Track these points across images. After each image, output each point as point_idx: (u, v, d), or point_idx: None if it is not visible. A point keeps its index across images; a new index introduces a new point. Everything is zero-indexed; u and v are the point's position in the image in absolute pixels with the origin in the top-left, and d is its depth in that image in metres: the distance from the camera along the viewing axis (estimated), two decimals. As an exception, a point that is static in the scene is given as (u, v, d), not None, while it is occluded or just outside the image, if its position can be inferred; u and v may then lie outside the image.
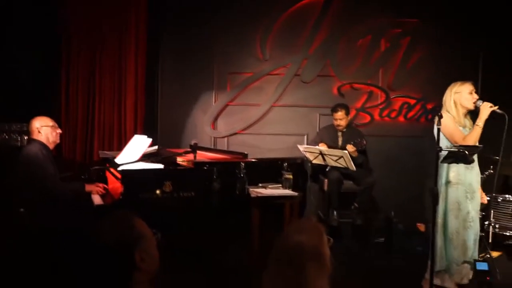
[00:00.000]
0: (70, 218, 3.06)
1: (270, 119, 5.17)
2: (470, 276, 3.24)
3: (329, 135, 4.65)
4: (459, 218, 3.15)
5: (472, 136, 3.03)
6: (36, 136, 3.39)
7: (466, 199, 3.14)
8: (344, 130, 4.62)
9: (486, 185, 4.15)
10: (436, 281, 3.16)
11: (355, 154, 4.16)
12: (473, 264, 3.17)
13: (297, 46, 5.09)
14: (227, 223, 4.01)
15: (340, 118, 4.55)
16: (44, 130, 3.39)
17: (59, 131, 3.51)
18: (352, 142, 4.29)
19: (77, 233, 2.77)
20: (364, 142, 4.25)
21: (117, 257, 1.45)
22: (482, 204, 3.28)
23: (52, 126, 3.44)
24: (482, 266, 3.10)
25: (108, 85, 4.91)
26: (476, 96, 3.12)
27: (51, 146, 3.45)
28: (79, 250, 2.57)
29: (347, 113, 4.60)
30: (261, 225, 3.52)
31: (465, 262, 3.21)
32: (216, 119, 5.17)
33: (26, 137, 4.07)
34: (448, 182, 3.11)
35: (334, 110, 4.60)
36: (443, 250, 3.18)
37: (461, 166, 3.09)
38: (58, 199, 3.18)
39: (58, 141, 3.52)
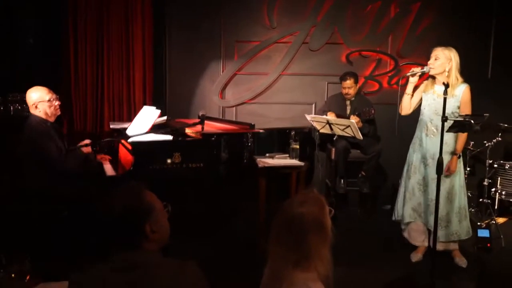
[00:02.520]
0: (79, 191, 3.14)
1: (278, 88, 5.19)
2: (423, 240, 3.44)
3: (337, 104, 4.66)
4: (414, 180, 3.37)
5: None
6: (33, 111, 3.26)
7: (421, 164, 3.33)
8: (353, 99, 4.62)
9: (494, 153, 4.20)
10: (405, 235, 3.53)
11: (359, 125, 4.18)
12: (422, 226, 3.42)
13: (304, 13, 5.04)
14: (235, 192, 4.13)
15: (349, 87, 4.55)
16: (41, 105, 3.25)
17: (57, 103, 3.33)
18: (360, 112, 4.31)
19: (88, 204, 2.90)
20: (373, 111, 4.26)
21: (127, 227, 1.53)
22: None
23: (49, 100, 3.26)
24: (484, 233, 3.19)
25: (116, 56, 4.94)
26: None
27: (51, 119, 3.32)
28: (90, 220, 2.71)
29: (356, 82, 4.59)
30: (268, 194, 3.62)
31: (416, 222, 3.44)
32: (224, 88, 5.21)
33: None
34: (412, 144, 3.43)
35: (343, 78, 4.59)
36: (400, 204, 3.48)
37: (423, 133, 3.33)
38: (66, 173, 3.19)
39: (58, 113, 3.37)
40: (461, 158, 3.33)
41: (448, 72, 3.21)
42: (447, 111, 2.88)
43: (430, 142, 3.29)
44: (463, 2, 4.87)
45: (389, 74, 5.08)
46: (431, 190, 3.26)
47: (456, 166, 3.24)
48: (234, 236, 3.79)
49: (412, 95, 3.37)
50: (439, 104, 3.17)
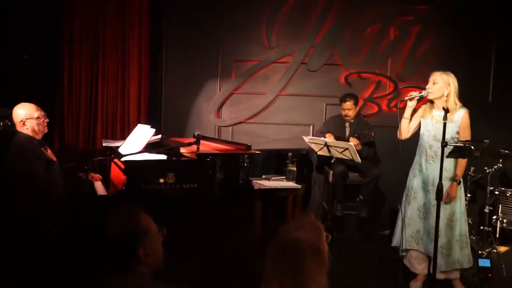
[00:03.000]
0: (69, 210, 3.11)
1: (275, 108, 5.21)
2: (423, 268, 3.42)
3: (336, 126, 4.68)
4: (414, 206, 3.36)
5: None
6: (20, 128, 3.20)
7: (421, 189, 3.33)
8: (352, 121, 4.65)
9: (495, 179, 4.21)
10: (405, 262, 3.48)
11: (359, 147, 4.20)
12: (422, 254, 3.39)
13: (303, 34, 5.11)
14: (230, 214, 4.10)
15: (349, 108, 4.58)
16: (29, 122, 3.19)
17: (45, 120, 3.28)
18: (360, 134, 4.33)
19: (79, 224, 2.87)
20: (372, 133, 4.28)
21: (121, 249, 1.53)
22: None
23: (37, 118, 3.21)
24: (485, 262, 3.16)
25: (111, 72, 4.97)
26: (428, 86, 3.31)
27: (38, 137, 3.26)
28: (80, 241, 2.68)
29: (356, 104, 4.63)
30: (264, 217, 3.60)
31: (412, 250, 3.40)
32: (220, 107, 5.23)
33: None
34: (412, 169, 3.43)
35: (343, 100, 4.62)
36: (399, 230, 3.44)
37: (422, 158, 3.34)
38: (54, 193, 3.15)
39: (46, 130, 3.31)
40: (462, 184, 3.34)
41: (446, 96, 3.23)
42: (446, 136, 2.90)
43: (430, 168, 3.30)
44: (463, 26, 4.95)
45: (388, 97, 5.12)
46: (432, 216, 3.24)
47: (456, 192, 3.24)
48: (228, 259, 3.75)
49: (411, 119, 3.39)
50: (438, 129, 3.19)
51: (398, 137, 3.43)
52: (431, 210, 3.27)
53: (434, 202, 3.20)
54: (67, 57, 4.89)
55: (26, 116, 3.21)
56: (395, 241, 3.52)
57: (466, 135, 3.20)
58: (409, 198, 3.42)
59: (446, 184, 3.15)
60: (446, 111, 2.91)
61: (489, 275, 3.39)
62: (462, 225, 3.31)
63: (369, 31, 5.08)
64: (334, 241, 1.72)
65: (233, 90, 5.20)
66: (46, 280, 2.68)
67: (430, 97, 3.28)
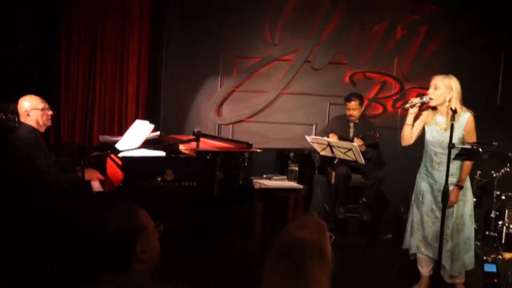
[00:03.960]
0: (66, 206, 3.12)
1: (277, 107, 5.21)
2: (426, 271, 3.44)
3: (340, 126, 4.68)
4: (421, 210, 3.37)
5: None
6: (24, 119, 3.31)
7: (429, 194, 3.33)
8: (357, 121, 4.65)
9: (502, 184, 4.21)
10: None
11: (363, 148, 4.20)
12: (429, 258, 3.40)
13: (308, 31, 5.10)
14: (229, 214, 4.10)
15: (354, 108, 4.57)
16: (33, 113, 3.30)
17: (50, 112, 3.40)
18: (364, 135, 4.32)
19: (75, 221, 2.87)
20: (377, 135, 4.28)
21: (118, 245, 1.53)
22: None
23: (42, 109, 3.33)
24: (491, 268, 3.17)
25: (110, 67, 4.96)
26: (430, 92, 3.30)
27: (41, 129, 3.37)
28: (77, 238, 2.69)
29: (361, 104, 4.62)
30: (264, 217, 3.60)
31: (425, 255, 3.40)
32: (221, 105, 5.23)
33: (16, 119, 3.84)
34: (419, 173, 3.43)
35: (348, 99, 4.62)
36: (409, 234, 3.47)
37: (428, 164, 3.33)
38: (52, 188, 3.19)
39: (49, 123, 3.43)
40: (470, 186, 3.34)
41: (448, 102, 3.20)
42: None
43: (436, 174, 3.30)
44: (472, 26, 4.95)
45: (394, 97, 5.13)
46: (439, 221, 3.24)
47: (457, 197, 3.24)
48: (226, 260, 3.75)
49: (413, 125, 3.37)
50: (443, 136, 3.19)
51: (401, 143, 3.42)
52: (439, 215, 3.25)
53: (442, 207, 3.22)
54: (65, 52, 4.87)
55: (31, 107, 3.31)
56: (405, 244, 3.55)
57: (471, 140, 3.19)
58: (418, 202, 3.41)
59: (451, 188, 3.16)
60: (454, 111, 2.92)
61: (495, 280, 3.39)
62: (469, 228, 3.31)
63: (375, 29, 5.08)
64: (335, 244, 1.72)
65: (234, 87, 5.19)
66: (44, 278, 2.68)
67: (432, 103, 3.25)
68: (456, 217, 3.26)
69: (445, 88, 3.20)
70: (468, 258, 3.31)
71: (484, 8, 4.93)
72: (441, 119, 3.27)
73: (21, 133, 3.27)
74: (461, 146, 3.01)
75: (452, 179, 3.18)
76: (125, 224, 1.55)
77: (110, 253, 1.54)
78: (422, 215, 3.37)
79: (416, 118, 3.39)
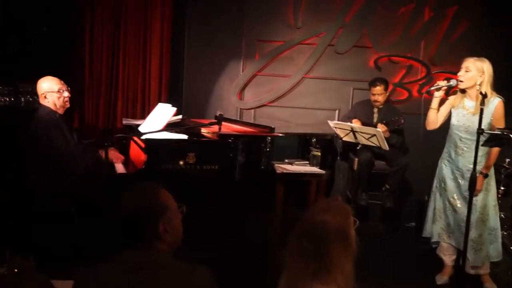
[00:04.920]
0: (88, 187, 3.16)
1: (300, 91, 5.16)
2: (449, 260, 3.38)
3: (364, 111, 4.61)
4: (443, 197, 3.33)
5: None
6: (42, 101, 3.34)
7: (452, 181, 3.28)
8: (381, 107, 4.57)
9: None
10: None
11: (386, 134, 4.13)
12: (452, 247, 3.37)
13: (332, 13, 5.01)
14: (251, 198, 4.11)
15: (378, 93, 4.49)
16: (50, 96, 3.32)
17: (67, 94, 3.40)
18: (389, 120, 4.25)
19: (98, 201, 2.92)
20: (402, 121, 4.20)
21: (141, 224, 1.54)
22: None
23: (58, 91, 3.34)
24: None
25: (133, 50, 4.97)
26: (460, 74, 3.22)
27: (60, 111, 3.38)
28: (99, 217, 2.72)
29: (386, 89, 4.54)
30: (285, 202, 3.60)
31: (448, 243, 3.35)
32: (243, 89, 5.20)
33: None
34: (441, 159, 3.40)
35: (373, 84, 4.53)
36: (430, 220, 3.44)
37: (452, 150, 3.28)
38: (74, 168, 3.22)
39: (67, 105, 3.44)
40: (493, 175, 3.26)
41: (479, 85, 3.11)
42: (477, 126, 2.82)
43: (460, 160, 3.24)
44: (503, 8, 4.78)
45: (420, 82, 5.01)
46: (462, 210, 3.19)
47: (482, 185, 3.16)
48: (246, 245, 3.76)
49: (438, 109, 3.30)
50: (470, 121, 3.12)
51: (426, 127, 3.37)
52: (462, 202, 3.21)
53: (465, 195, 3.16)
54: (89, 35, 4.90)
55: (47, 89, 3.32)
56: (426, 232, 3.49)
57: (500, 126, 3.10)
58: (440, 189, 3.36)
59: (465, 170, 3.10)
60: (484, 96, 2.83)
61: None
62: (494, 218, 3.24)
63: (402, 11, 4.95)
64: (357, 231, 1.70)
65: (257, 71, 5.14)
66: (64, 257, 2.73)
67: (461, 86, 3.18)
68: (480, 206, 3.18)
69: (476, 71, 3.12)
70: (494, 249, 3.24)
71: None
72: (470, 103, 3.18)
73: (40, 115, 3.30)
74: (490, 131, 2.93)
75: (477, 167, 3.10)
76: (148, 203, 1.56)
77: (133, 231, 1.55)
78: (445, 202, 3.31)
79: (443, 102, 3.31)
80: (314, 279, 1.58)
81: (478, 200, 3.17)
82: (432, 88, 3.24)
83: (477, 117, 2.92)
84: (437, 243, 3.41)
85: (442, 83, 3.19)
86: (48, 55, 4.74)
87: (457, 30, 4.92)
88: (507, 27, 4.80)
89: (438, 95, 3.26)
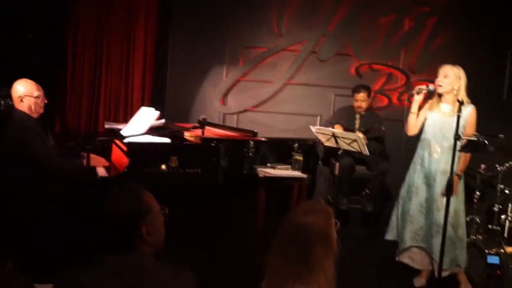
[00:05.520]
0: (70, 190, 3.10)
1: (282, 97, 5.18)
2: (427, 263, 3.36)
3: (346, 117, 4.64)
4: (416, 202, 3.33)
5: None
6: (17, 104, 3.18)
7: (424, 184, 3.31)
8: (363, 113, 4.61)
9: (506, 178, 4.18)
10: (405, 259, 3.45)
11: (365, 141, 4.17)
12: (425, 250, 3.35)
13: (315, 22, 5.06)
14: (233, 202, 4.09)
15: (362, 100, 4.53)
16: (27, 100, 3.17)
17: (44, 101, 3.27)
18: (370, 128, 4.28)
19: (79, 205, 2.86)
20: (383, 128, 4.24)
21: (124, 227, 1.52)
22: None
23: (36, 97, 3.20)
24: (493, 259, 3.15)
25: (116, 55, 4.94)
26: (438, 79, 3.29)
27: (34, 116, 3.23)
28: (81, 220, 2.67)
29: (369, 95, 4.59)
30: (268, 206, 3.59)
31: (415, 247, 3.37)
32: (226, 94, 5.20)
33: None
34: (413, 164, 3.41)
35: (356, 90, 4.57)
36: (400, 226, 3.43)
37: (426, 152, 3.30)
38: (53, 173, 3.12)
39: (42, 111, 3.28)
40: (463, 180, 3.31)
41: (457, 90, 3.22)
42: (453, 130, 2.89)
43: (433, 162, 3.28)
44: (481, 20, 4.90)
45: (400, 90, 5.09)
46: (434, 213, 3.23)
47: (456, 186, 3.20)
48: (229, 248, 3.74)
49: (418, 114, 3.36)
50: (446, 123, 3.19)
51: (406, 132, 3.41)
52: (433, 205, 3.25)
53: (437, 197, 3.23)
54: (72, 39, 4.85)
55: (25, 93, 3.17)
56: (391, 235, 3.53)
57: (471, 132, 3.18)
58: (411, 194, 3.39)
59: (445, 179, 3.11)
60: (461, 103, 2.89)
61: (498, 272, 3.36)
62: (463, 224, 3.30)
63: (383, 21, 5.03)
64: (338, 235, 1.71)
65: (240, 77, 5.16)
66: (45, 263, 2.67)
67: (440, 90, 3.26)
68: (451, 211, 3.20)
69: (454, 77, 3.22)
70: (463, 255, 3.29)
71: (493, 3, 4.87)
72: (446, 107, 3.27)
73: (16, 119, 3.15)
74: (468, 138, 2.98)
75: (448, 168, 3.13)
76: (130, 205, 1.54)
77: (116, 234, 1.52)
78: (416, 207, 3.33)
79: (421, 108, 3.37)
80: (296, 281, 1.58)
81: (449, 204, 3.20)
82: (413, 91, 3.30)
83: (451, 118, 3.02)
84: (408, 248, 3.41)
85: (422, 87, 3.27)
86: (30, 60, 4.65)
87: (437, 40, 5.01)
88: (484, 38, 4.91)
89: (418, 98, 3.33)
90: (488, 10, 4.88)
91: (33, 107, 3.20)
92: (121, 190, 1.61)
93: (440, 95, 3.30)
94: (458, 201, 3.27)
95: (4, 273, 1.84)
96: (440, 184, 3.22)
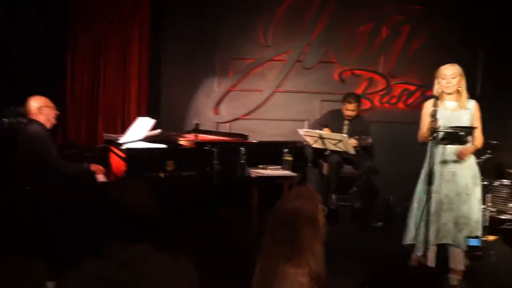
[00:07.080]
0: (75, 193, 3.12)
1: (271, 104, 5.23)
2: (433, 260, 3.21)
3: (334, 122, 4.63)
4: (435, 200, 3.13)
5: None
6: (35, 116, 3.38)
7: (443, 179, 3.14)
8: (351, 119, 4.64)
9: (484, 170, 4.21)
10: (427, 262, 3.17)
11: (357, 148, 4.18)
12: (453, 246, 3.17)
13: (299, 32, 5.13)
14: (227, 203, 4.08)
15: (352, 109, 4.54)
16: (45, 110, 3.39)
17: (56, 112, 3.51)
18: (358, 137, 4.24)
19: (83, 207, 2.86)
20: (370, 140, 4.20)
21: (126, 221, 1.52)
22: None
23: (51, 107, 3.44)
24: (474, 242, 3.13)
25: (112, 69, 4.97)
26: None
27: (48, 126, 3.44)
28: (84, 223, 2.67)
29: (359, 105, 4.62)
30: (260, 205, 3.60)
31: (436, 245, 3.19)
32: (218, 104, 5.24)
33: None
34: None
35: (347, 101, 4.53)
36: (412, 226, 3.21)
37: (440, 148, 3.10)
38: (62, 176, 3.24)
39: (55, 122, 3.52)
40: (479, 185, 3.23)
41: (461, 87, 3.14)
42: (463, 124, 2.95)
43: (447, 152, 3.13)
44: (451, 22, 4.99)
45: (381, 93, 5.16)
46: (457, 206, 3.12)
47: (468, 155, 3.13)
48: (225, 247, 3.73)
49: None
50: (454, 118, 3.11)
51: (418, 139, 3.28)
52: (457, 199, 3.12)
53: (459, 191, 3.12)
54: (70, 58, 4.89)
55: (43, 105, 3.38)
56: (409, 238, 3.27)
57: (478, 125, 3.14)
58: (429, 192, 3.08)
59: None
60: (437, 98, 2.93)
61: (479, 253, 3.26)
62: (477, 209, 3.19)
63: (362, 29, 5.11)
64: (327, 232, 1.70)
65: (230, 87, 5.21)
66: (51, 257, 2.65)
67: (449, 91, 3.13)
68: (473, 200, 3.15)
69: (459, 75, 3.14)
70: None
71: (462, 7, 4.98)
72: (451, 104, 3.16)
73: (33, 128, 3.33)
74: (445, 130, 3.00)
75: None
76: (134, 197, 1.53)
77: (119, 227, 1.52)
78: (437, 204, 3.14)
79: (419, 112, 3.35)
80: (287, 262, 1.60)
81: (469, 194, 3.13)
82: (432, 120, 3.02)
83: (458, 113, 3.06)
84: (426, 248, 3.12)
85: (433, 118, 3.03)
86: (30, 78, 4.65)
87: (413, 45, 5.10)
88: (457, 39, 4.99)
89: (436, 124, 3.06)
90: (458, 12, 4.98)
91: (50, 118, 3.42)
92: (121, 184, 1.62)
93: (437, 97, 3.13)
94: (476, 191, 3.18)
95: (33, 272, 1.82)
96: (461, 176, 3.13)
